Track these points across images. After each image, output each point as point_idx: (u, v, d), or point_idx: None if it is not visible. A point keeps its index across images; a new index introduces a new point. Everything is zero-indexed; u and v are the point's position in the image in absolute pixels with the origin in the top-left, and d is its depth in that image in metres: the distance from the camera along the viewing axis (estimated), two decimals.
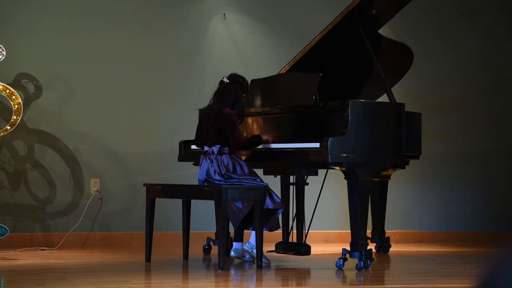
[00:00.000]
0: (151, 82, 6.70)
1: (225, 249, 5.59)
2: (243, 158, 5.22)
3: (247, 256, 5.24)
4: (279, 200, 5.13)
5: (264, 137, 5.19)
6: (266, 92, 5.64)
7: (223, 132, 5.07)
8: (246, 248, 5.25)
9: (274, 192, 5.12)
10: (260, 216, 4.88)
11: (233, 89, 5.18)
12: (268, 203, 5.02)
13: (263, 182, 5.08)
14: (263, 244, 4.97)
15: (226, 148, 5.07)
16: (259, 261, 4.91)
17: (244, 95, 5.26)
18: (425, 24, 7.26)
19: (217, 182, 5.01)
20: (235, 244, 5.30)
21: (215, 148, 5.08)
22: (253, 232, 5.10)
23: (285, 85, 5.52)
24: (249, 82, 5.38)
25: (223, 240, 4.82)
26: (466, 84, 7.31)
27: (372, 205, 5.99)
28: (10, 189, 6.33)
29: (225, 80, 5.21)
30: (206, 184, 5.08)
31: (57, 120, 6.47)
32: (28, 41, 6.43)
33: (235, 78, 5.23)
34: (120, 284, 4.28)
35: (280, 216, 5.31)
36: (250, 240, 5.22)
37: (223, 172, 5.03)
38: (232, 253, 5.27)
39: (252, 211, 5.02)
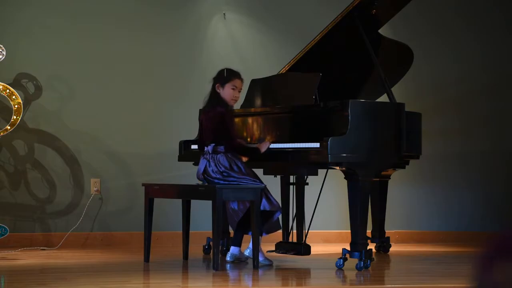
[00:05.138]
0: (151, 82, 6.70)
1: (224, 248, 5.60)
2: (244, 159, 5.19)
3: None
4: (276, 203, 5.10)
5: (263, 149, 5.13)
6: (266, 92, 5.63)
7: (218, 132, 5.05)
8: (247, 254, 5.20)
9: (271, 195, 5.10)
10: (256, 216, 4.86)
11: (212, 87, 5.18)
12: (265, 205, 5.00)
13: (262, 184, 5.05)
14: (263, 244, 4.97)
15: (221, 147, 5.05)
16: (255, 261, 4.89)
17: (218, 84, 5.13)
18: (425, 24, 7.26)
19: (216, 180, 5.00)
20: (232, 249, 5.25)
21: (210, 147, 5.07)
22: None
23: (285, 85, 5.51)
24: (245, 80, 5.34)
25: (219, 240, 4.80)
26: (466, 84, 7.31)
27: (372, 205, 5.99)
28: (10, 189, 6.33)
29: None
30: (204, 181, 5.07)
31: (57, 120, 6.47)
32: (28, 41, 6.43)
33: (214, 76, 5.22)
34: (120, 284, 4.28)
35: (280, 217, 5.30)
36: (250, 245, 5.18)
37: (221, 170, 5.01)
38: (228, 257, 5.23)
39: (249, 213, 5.00)
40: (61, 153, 6.47)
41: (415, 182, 7.18)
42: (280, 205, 5.37)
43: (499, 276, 1.36)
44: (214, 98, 5.13)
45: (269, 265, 5.10)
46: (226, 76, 5.17)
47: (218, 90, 5.15)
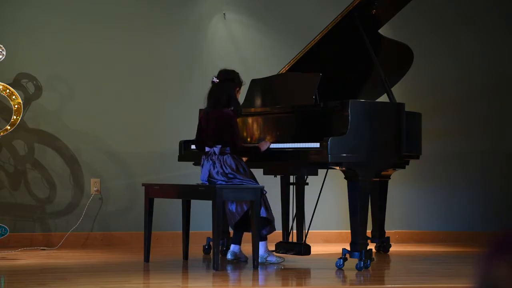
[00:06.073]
0: (151, 82, 6.70)
1: (224, 248, 5.60)
2: (244, 159, 5.20)
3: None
4: (272, 214, 5.11)
5: (263, 148, 5.14)
6: (266, 92, 5.63)
7: (223, 133, 5.05)
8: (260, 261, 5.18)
9: (269, 205, 5.11)
10: (256, 216, 4.84)
11: (225, 88, 5.11)
12: (262, 212, 5.00)
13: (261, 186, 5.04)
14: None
15: (228, 148, 5.05)
16: (255, 262, 4.88)
17: (238, 88, 5.18)
18: (425, 24, 7.26)
19: (219, 182, 4.99)
20: (232, 247, 5.27)
21: (217, 149, 5.05)
22: (260, 243, 5.04)
23: (285, 85, 5.51)
24: (245, 81, 5.34)
25: (219, 240, 4.79)
26: (466, 84, 7.31)
27: (372, 205, 5.99)
28: (10, 189, 6.33)
29: (215, 80, 5.16)
30: (207, 183, 5.07)
31: (57, 120, 6.47)
32: (28, 41, 6.43)
33: (225, 76, 5.15)
34: (120, 284, 4.29)
35: (280, 218, 5.30)
36: (260, 253, 5.12)
37: (227, 172, 5.00)
38: (228, 256, 5.24)
39: (248, 214, 5.00)
40: (61, 153, 6.47)
41: (415, 182, 7.18)
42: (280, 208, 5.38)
43: (499, 274, 1.37)
44: (232, 100, 5.09)
45: (282, 261, 5.16)
46: (241, 80, 5.21)
47: (237, 94, 5.15)
